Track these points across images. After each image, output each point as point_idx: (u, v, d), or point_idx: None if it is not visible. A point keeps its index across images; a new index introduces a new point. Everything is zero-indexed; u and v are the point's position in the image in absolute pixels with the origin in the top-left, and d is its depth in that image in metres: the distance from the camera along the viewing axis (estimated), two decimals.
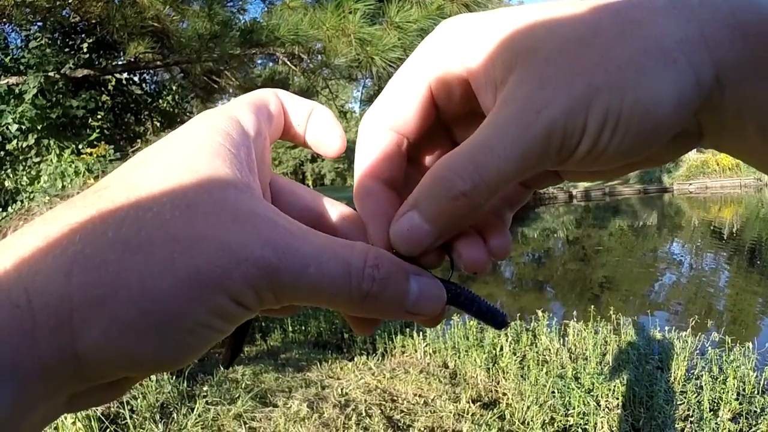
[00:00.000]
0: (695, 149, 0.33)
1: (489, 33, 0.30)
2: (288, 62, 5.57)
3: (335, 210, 0.36)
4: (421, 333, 4.83)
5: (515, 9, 0.30)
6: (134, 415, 2.89)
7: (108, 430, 2.79)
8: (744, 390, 3.64)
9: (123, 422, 2.85)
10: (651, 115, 0.27)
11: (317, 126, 0.35)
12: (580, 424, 3.37)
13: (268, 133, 0.33)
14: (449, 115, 0.35)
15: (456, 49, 0.31)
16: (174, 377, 3.28)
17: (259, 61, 6.45)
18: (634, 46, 0.27)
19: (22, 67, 4.27)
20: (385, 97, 0.33)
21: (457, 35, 0.31)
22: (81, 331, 0.23)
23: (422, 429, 3.03)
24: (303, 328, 5.54)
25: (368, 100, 6.49)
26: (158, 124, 6.09)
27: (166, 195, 0.25)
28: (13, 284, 0.22)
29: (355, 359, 4.44)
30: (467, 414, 3.37)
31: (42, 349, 0.22)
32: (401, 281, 0.29)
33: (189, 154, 0.27)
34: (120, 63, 5.27)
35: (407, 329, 5.03)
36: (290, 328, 5.46)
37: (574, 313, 4.84)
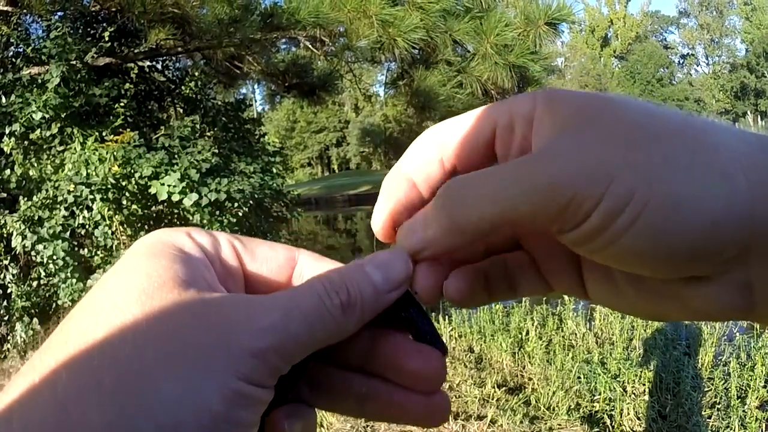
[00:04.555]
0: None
1: (565, 103, 0.28)
2: (310, 46, 5.54)
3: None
4: (446, 317, 4.82)
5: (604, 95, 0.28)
6: None
7: None
8: None
9: None
10: (679, 216, 0.23)
11: None
12: (606, 410, 3.33)
13: (222, 249, 0.33)
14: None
15: (534, 107, 0.29)
16: None
17: (282, 46, 6.43)
18: (687, 145, 0.24)
19: (44, 57, 4.31)
20: (454, 118, 0.33)
21: (543, 99, 0.29)
22: None
23: None
24: None
25: (392, 84, 6.39)
26: (181, 111, 6.11)
27: (130, 304, 0.25)
28: None
29: None
30: (492, 399, 3.36)
31: None
32: (358, 272, 0.30)
33: (144, 265, 0.27)
34: (142, 50, 5.27)
35: (432, 314, 5.01)
36: None
37: None
